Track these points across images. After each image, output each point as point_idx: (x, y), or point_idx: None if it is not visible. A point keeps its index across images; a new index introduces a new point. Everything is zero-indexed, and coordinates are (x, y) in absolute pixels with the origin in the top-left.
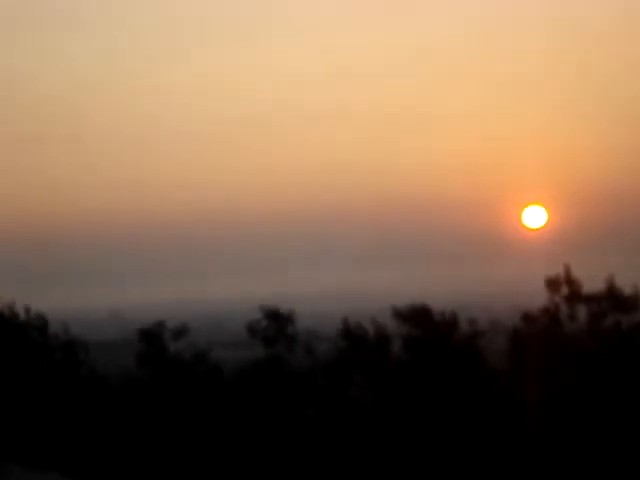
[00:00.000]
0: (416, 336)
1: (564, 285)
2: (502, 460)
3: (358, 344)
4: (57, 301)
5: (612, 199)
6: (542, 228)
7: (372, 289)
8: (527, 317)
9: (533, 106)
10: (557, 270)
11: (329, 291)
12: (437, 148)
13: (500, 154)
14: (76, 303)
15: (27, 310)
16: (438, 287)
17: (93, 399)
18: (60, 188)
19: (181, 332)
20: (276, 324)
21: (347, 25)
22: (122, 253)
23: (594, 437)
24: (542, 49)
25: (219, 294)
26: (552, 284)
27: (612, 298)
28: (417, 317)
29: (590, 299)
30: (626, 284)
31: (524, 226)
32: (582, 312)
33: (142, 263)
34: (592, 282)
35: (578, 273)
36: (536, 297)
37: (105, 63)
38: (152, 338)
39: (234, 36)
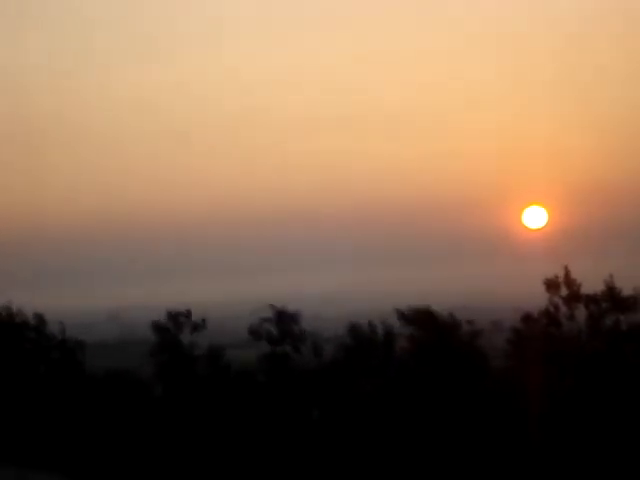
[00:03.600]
0: (420, 337)
1: (563, 286)
2: (504, 459)
3: (365, 344)
4: (56, 302)
5: (612, 199)
6: (543, 228)
7: (373, 290)
8: (527, 318)
9: (535, 108)
10: (558, 269)
11: (330, 292)
12: (437, 150)
13: (501, 155)
14: (74, 304)
15: (21, 311)
16: (440, 287)
17: (90, 399)
18: (58, 190)
19: (199, 326)
20: (280, 325)
21: (345, 25)
22: (120, 254)
23: (595, 436)
24: (545, 51)
25: (219, 295)
26: (551, 285)
27: (611, 298)
28: (421, 319)
29: (589, 299)
30: (626, 282)
31: (525, 226)
32: (582, 312)
33: (140, 264)
34: (592, 281)
35: (578, 272)
36: (538, 297)
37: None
38: (168, 328)
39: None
